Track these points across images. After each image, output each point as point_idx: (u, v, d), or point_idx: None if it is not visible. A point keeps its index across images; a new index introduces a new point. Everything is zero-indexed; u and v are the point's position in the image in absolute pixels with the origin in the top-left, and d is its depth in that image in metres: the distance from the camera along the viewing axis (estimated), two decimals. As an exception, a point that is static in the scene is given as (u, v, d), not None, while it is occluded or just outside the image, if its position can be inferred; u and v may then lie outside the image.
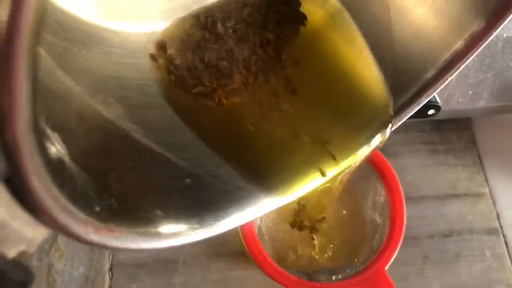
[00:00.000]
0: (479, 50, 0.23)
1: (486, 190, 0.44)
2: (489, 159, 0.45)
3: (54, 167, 0.15)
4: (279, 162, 0.25)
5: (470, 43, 0.23)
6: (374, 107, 0.26)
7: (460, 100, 0.39)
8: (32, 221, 0.15)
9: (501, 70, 0.37)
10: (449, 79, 0.25)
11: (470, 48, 0.23)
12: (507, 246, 0.41)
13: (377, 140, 0.25)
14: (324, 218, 0.36)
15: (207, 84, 0.26)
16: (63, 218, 0.15)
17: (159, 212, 0.21)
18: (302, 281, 0.30)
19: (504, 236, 0.42)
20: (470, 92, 0.38)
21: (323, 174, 0.25)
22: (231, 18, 0.26)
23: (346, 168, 0.25)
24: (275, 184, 0.24)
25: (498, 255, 0.41)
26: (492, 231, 0.42)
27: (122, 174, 0.21)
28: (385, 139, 0.26)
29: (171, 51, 0.26)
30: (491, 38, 0.23)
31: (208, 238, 0.24)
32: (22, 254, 0.14)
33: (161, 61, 0.25)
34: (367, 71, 0.26)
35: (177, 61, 0.26)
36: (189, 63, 0.26)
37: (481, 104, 0.39)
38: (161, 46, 0.26)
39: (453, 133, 0.46)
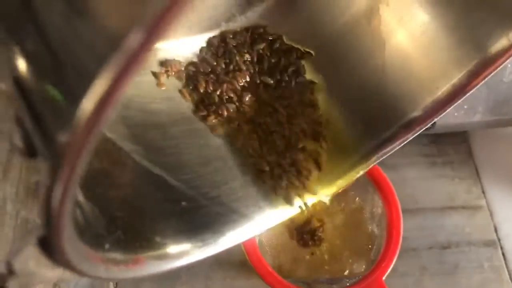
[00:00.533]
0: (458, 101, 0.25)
1: (484, 202, 0.45)
2: (486, 172, 0.46)
3: (77, 221, 0.17)
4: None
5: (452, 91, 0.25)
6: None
7: (456, 114, 0.40)
8: (53, 266, 0.16)
9: (494, 85, 0.38)
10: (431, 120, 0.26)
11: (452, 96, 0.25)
12: (504, 258, 0.42)
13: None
14: (322, 225, 0.37)
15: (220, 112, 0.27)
16: (85, 265, 0.16)
17: (157, 239, 0.22)
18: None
19: (501, 248, 0.42)
20: (465, 107, 0.40)
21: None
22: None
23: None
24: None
25: (496, 267, 0.42)
26: (489, 243, 0.43)
27: (125, 201, 0.22)
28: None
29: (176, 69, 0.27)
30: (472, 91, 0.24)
31: (215, 254, 0.25)
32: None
33: (163, 79, 0.26)
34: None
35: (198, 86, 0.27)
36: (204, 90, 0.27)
37: (477, 118, 0.40)
38: (164, 64, 0.27)
39: (451, 146, 0.47)
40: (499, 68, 0.24)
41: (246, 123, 0.27)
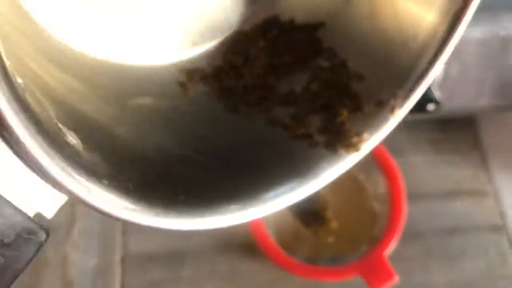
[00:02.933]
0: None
1: (490, 188, 0.44)
2: (493, 158, 0.46)
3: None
4: None
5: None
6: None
7: (462, 98, 0.40)
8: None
9: (501, 68, 0.38)
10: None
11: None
12: (510, 244, 0.42)
13: None
14: (325, 205, 0.37)
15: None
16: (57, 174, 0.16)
17: (181, 198, 0.21)
18: (306, 265, 0.31)
19: (507, 233, 0.42)
20: (472, 91, 0.39)
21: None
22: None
23: None
24: None
25: (502, 252, 0.42)
26: (495, 228, 0.43)
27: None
28: None
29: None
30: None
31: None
32: (38, 215, 0.16)
33: (189, 86, 0.27)
34: None
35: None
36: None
37: (483, 102, 0.40)
38: (187, 73, 0.27)
39: (458, 132, 0.47)
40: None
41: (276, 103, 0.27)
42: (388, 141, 0.50)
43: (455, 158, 0.46)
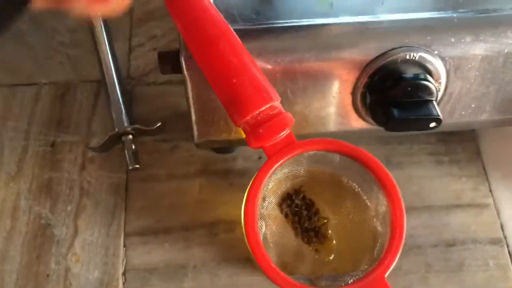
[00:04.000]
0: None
1: (490, 200, 0.44)
2: (494, 170, 0.46)
3: None
4: None
5: None
6: None
7: (463, 113, 0.40)
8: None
9: (503, 84, 0.38)
10: None
11: None
12: (510, 256, 0.42)
13: None
14: (327, 223, 0.37)
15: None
16: None
17: None
18: (305, 286, 0.31)
19: (507, 246, 0.42)
20: (473, 105, 0.39)
21: None
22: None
23: None
24: None
25: (502, 265, 0.42)
26: (495, 241, 0.43)
27: None
28: None
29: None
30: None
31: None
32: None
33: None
34: None
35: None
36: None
37: (484, 117, 0.40)
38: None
39: (458, 144, 0.47)
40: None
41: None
42: (388, 153, 0.50)
43: (455, 170, 0.46)
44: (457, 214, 0.44)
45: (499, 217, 0.44)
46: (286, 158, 0.34)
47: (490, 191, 0.45)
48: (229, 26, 0.34)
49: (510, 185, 0.45)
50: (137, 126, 0.46)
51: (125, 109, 0.47)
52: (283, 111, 0.34)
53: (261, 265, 0.31)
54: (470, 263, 0.42)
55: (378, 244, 0.34)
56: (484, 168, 0.46)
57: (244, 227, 0.33)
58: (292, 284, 0.31)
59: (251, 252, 0.33)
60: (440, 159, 0.46)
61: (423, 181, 0.45)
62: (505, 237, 0.43)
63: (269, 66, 0.36)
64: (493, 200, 0.45)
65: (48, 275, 0.42)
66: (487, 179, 0.45)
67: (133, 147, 0.46)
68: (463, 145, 0.47)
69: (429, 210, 0.44)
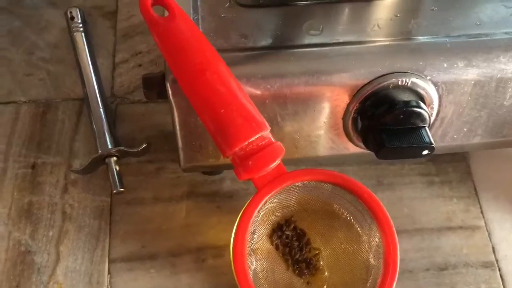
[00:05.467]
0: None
1: (482, 222, 0.44)
2: (485, 191, 0.45)
3: None
4: None
5: None
6: None
7: (455, 136, 0.39)
8: None
9: (495, 108, 0.37)
10: None
11: None
12: (502, 280, 0.42)
13: None
14: (318, 254, 0.36)
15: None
16: None
17: None
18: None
19: (499, 269, 0.42)
20: (465, 129, 0.39)
21: None
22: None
23: None
24: None
25: (494, 288, 0.41)
26: (487, 265, 0.42)
27: None
28: None
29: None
30: None
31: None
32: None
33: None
34: None
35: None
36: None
37: (476, 140, 0.39)
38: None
39: (449, 165, 0.47)
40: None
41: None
42: (379, 174, 0.49)
43: (447, 192, 0.45)
44: (449, 237, 0.43)
45: (490, 240, 0.43)
46: (276, 190, 0.33)
47: (481, 212, 0.44)
48: (216, 51, 0.33)
49: (501, 206, 0.45)
50: (122, 148, 0.44)
51: (109, 129, 0.46)
52: (273, 140, 0.33)
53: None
54: (462, 287, 0.41)
55: (371, 277, 0.33)
56: (475, 189, 0.46)
57: (234, 266, 0.32)
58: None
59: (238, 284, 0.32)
60: (431, 180, 0.46)
61: (414, 203, 0.45)
62: (497, 260, 0.42)
63: (258, 92, 0.34)
64: (484, 221, 0.44)
65: (28, 305, 0.40)
66: (478, 200, 0.45)
67: (117, 169, 0.44)
68: (453, 165, 0.46)
69: (420, 232, 0.43)
